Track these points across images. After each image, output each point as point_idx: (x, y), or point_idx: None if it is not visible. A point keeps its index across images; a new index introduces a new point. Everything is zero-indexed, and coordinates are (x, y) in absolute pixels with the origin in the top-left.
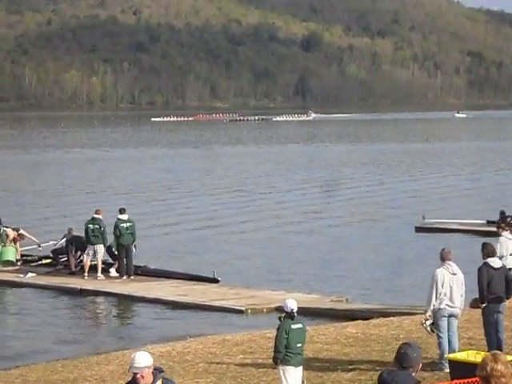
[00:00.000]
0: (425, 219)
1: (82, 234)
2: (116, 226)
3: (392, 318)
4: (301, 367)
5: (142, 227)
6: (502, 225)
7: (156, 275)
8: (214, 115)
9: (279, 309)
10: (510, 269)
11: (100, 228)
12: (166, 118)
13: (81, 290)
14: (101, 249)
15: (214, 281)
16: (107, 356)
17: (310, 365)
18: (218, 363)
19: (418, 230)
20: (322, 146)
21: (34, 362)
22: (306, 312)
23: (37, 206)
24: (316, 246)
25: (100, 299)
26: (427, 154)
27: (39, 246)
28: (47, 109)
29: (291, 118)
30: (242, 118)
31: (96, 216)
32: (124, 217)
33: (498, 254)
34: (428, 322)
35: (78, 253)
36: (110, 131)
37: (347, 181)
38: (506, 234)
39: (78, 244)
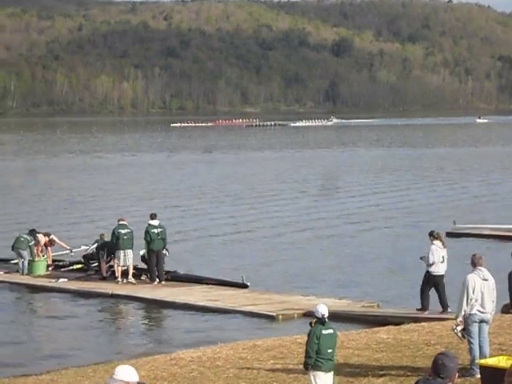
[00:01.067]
0: (456, 224)
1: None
2: (147, 232)
3: (423, 324)
4: (331, 373)
5: (171, 232)
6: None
7: (186, 280)
8: (232, 121)
9: (310, 314)
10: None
11: (131, 232)
12: (184, 124)
13: (112, 294)
14: (131, 253)
15: (244, 286)
16: (138, 361)
17: (340, 370)
18: (248, 368)
19: (449, 235)
20: (349, 151)
21: (65, 367)
22: (336, 317)
23: (67, 210)
24: (347, 250)
25: (131, 304)
26: (453, 159)
27: (71, 252)
28: (78, 114)
29: (309, 124)
30: (259, 123)
31: (122, 222)
32: (155, 222)
33: (430, 261)
34: (459, 328)
35: (109, 258)
36: (139, 137)
37: (376, 185)
38: (436, 242)
39: (109, 249)
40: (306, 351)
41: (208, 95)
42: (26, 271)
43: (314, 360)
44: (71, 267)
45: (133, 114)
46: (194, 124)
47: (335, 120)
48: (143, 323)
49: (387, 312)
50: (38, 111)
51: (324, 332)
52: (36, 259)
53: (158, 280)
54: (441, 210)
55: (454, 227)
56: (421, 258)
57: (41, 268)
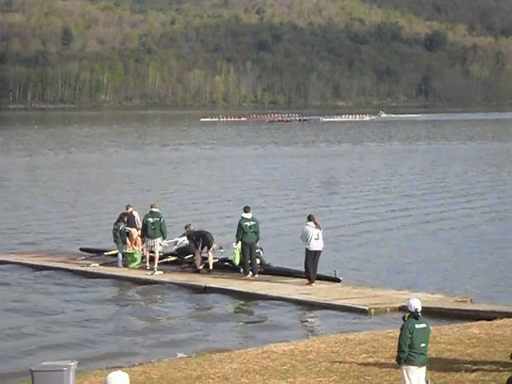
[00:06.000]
0: None
1: (204, 229)
2: (239, 225)
3: None
4: (424, 367)
5: (263, 226)
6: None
7: (279, 274)
8: (265, 116)
9: (403, 308)
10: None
11: (160, 220)
12: (214, 119)
13: (206, 287)
14: (158, 242)
15: (336, 280)
16: (230, 354)
17: (433, 365)
18: (340, 362)
19: None
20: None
21: (158, 359)
22: (429, 312)
23: (160, 201)
24: (441, 246)
25: (224, 297)
26: None
27: (174, 245)
28: (170, 107)
29: (345, 119)
30: (283, 118)
31: (154, 210)
32: (248, 215)
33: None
34: None
35: (205, 249)
36: (231, 130)
37: (463, 181)
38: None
39: (204, 240)
40: (399, 345)
41: (300, 89)
42: (120, 264)
43: (406, 354)
44: (165, 259)
45: (224, 107)
46: (225, 119)
47: (384, 115)
48: (235, 316)
49: (480, 307)
50: (131, 104)
51: (417, 326)
52: (131, 251)
53: (251, 273)
54: None
55: None
56: None
57: (136, 260)
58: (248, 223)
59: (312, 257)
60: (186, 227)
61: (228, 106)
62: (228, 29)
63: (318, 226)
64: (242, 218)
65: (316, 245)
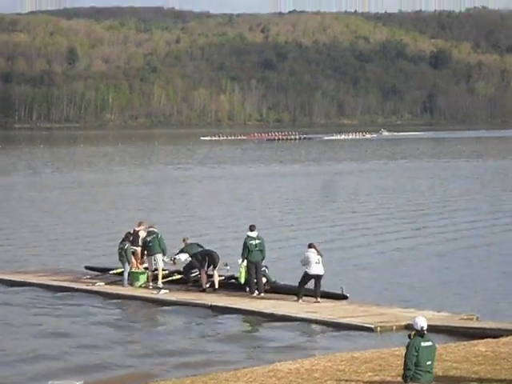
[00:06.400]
0: None
1: (209, 248)
2: (245, 243)
3: None
4: None
5: (270, 243)
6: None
7: (286, 291)
8: (266, 134)
9: (409, 326)
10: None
11: (157, 237)
12: (214, 138)
13: (211, 306)
14: (159, 258)
15: (343, 297)
16: (236, 372)
17: (439, 383)
18: (346, 381)
19: None
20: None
21: (163, 379)
22: (435, 330)
23: (166, 220)
24: (446, 264)
25: (230, 315)
26: None
27: (173, 261)
28: (176, 126)
29: (348, 137)
30: (282, 137)
31: (151, 229)
32: (253, 234)
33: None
34: None
35: (210, 268)
36: (235, 148)
37: (467, 199)
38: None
39: (210, 259)
40: (405, 363)
41: (304, 107)
42: (126, 283)
43: (412, 372)
44: (170, 278)
45: (230, 126)
46: (225, 137)
47: (386, 133)
48: (241, 335)
49: (486, 325)
50: (136, 123)
51: (423, 344)
52: (136, 270)
53: (257, 291)
54: None
55: None
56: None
57: (141, 279)
58: (253, 242)
59: (309, 280)
60: (183, 240)
61: (233, 124)
62: (233, 47)
63: (319, 253)
64: (248, 236)
65: (317, 269)
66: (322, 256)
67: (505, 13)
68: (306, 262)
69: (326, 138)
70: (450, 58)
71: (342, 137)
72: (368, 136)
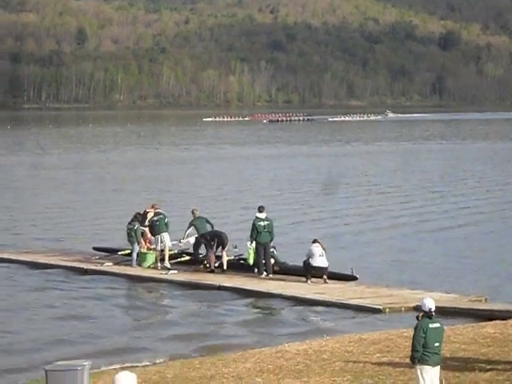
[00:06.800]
0: None
1: (221, 229)
2: (253, 224)
3: None
4: (438, 367)
5: (280, 224)
6: None
7: (295, 272)
8: (269, 115)
9: (417, 308)
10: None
11: (163, 217)
12: (217, 118)
13: (219, 286)
14: (166, 236)
15: (353, 278)
16: (244, 353)
17: (447, 364)
18: (354, 362)
19: None
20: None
21: (172, 358)
22: (443, 311)
23: (174, 201)
24: (455, 245)
25: (238, 296)
26: None
27: (180, 242)
28: (185, 107)
29: (350, 118)
30: (285, 118)
31: (156, 210)
32: (262, 215)
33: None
34: None
35: (219, 249)
36: (242, 129)
37: (476, 180)
38: None
39: (219, 240)
40: (413, 345)
41: (314, 89)
42: (135, 263)
43: (420, 354)
44: (179, 259)
45: (239, 107)
46: (228, 118)
47: (391, 115)
48: (249, 315)
49: (494, 306)
50: (145, 104)
51: (431, 326)
52: (145, 251)
53: (265, 272)
54: None
55: None
56: None
57: (150, 260)
58: (262, 223)
59: (312, 269)
60: (192, 212)
61: (242, 105)
62: (242, 28)
63: (323, 247)
64: (256, 217)
65: (320, 261)
66: (325, 250)
67: None
68: (310, 255)
69: (330, 119)
70: (460, 39)
71: (347, 118)
72: (372, 118)
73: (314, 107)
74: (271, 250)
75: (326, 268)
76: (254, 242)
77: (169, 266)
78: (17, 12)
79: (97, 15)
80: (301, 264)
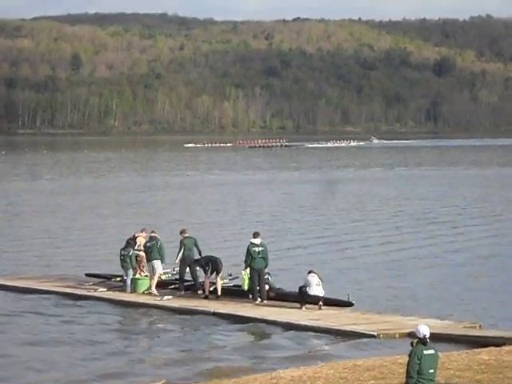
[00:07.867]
0: None
1: (214, 254)
2: (248, 250)
3: None
4: None
5: (274, 249)
6: None
7: (290, 299)
8: (249, 141)
9: (412, 334)
10: None
11: (157, 243)
12: (198, 145)
13: (214, 313)
14: (156, 264)
15: (349, 304)
16: (238, 380)
17: None
18: None
19: None
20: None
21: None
22: (438, 338)
23: (167, 226)
24: (449, 272)
25: (232, 322)
26: None
27: (173, 270)
28: (179, 133)
29: (331, 145)
30: (264, 144)
31: (152, 235)
32: (257, 241)
33: None
34: None
35: (213, 275)
36: (235, 155)
37: (471, 207)
38: None
39: (214, 266)
40: (407, 371)
41: (308, 115)
42: (129, 289)
43: (415, 380)
44: (173, 286)
45: (233, 133)
46: (209, 145)
47: (376, 141)
48: (244, 341)
49: (489, 333)
50: (139, 130)
51: (425, 352)
52: (139, 277)
53: (259, 299)
54: None
55: None
56: None
57: (144, 285)
58: (257, 249)
59: (308, 297)
60: (180, 233)
61: (237, 131)
62: (237, 55)
63: (319, 278)
64: (251, 243)
65: (317, 290)
66: (322, 280)
67: (509, 22)
68: (307, 285)
69: (308, 145)
70: (454, 66)
71: (328, 145)
72: (354, 144)
73: (308, 133)
74: (266, 276)
75: (323, 297)
76: (249, 268)
77: (156, 292)
78: (12, 38)
79: (92, 41)
80: (296, 290)
